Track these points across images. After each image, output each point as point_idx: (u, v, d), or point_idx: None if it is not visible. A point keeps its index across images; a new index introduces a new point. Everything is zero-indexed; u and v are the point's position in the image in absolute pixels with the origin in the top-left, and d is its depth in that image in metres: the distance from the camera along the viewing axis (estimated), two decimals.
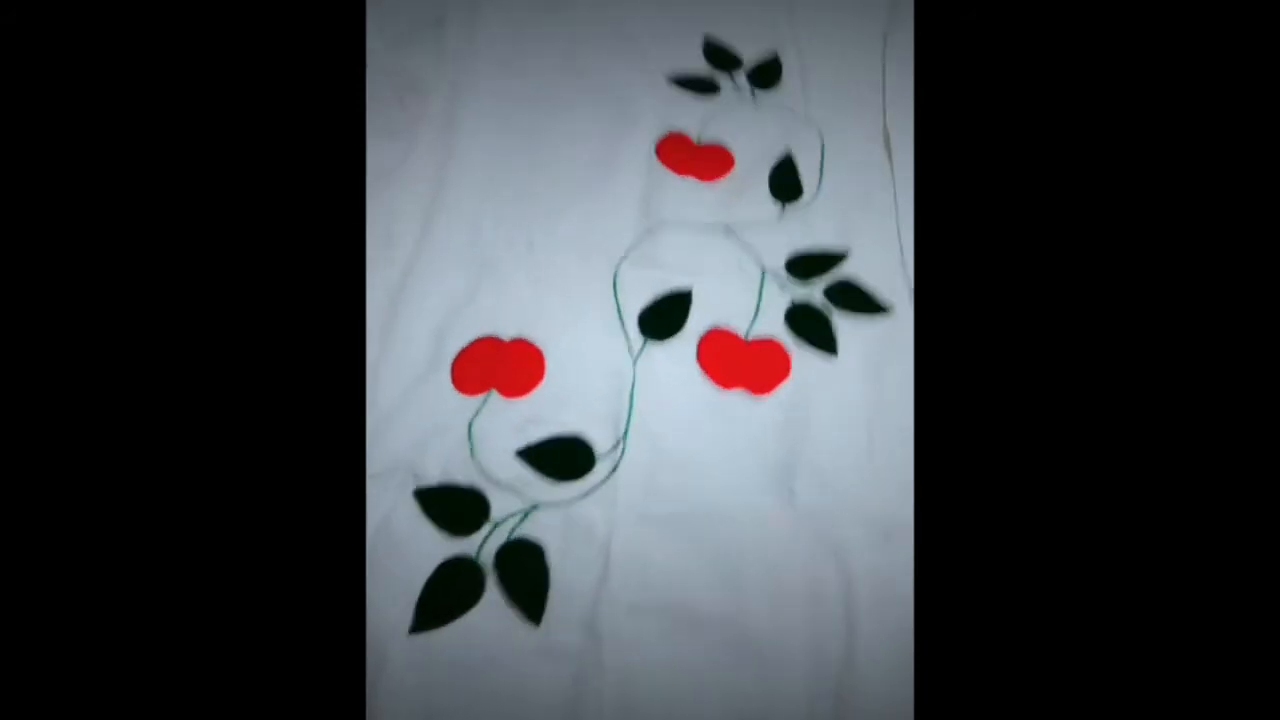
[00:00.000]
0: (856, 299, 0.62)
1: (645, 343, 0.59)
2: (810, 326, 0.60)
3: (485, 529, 0.51)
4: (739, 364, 0.58)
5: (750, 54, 0.77)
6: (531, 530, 0.51)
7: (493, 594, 0.49)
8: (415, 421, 0.55)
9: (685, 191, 0.67)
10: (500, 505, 0.52)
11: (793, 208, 0.67)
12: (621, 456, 0.54)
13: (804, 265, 0.63)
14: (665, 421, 0.56)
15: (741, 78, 0.75)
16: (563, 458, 0.53)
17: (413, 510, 0.52)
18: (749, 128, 0.72)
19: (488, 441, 0.54)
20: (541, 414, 0.55)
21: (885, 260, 0.64)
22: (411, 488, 0.52)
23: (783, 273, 0.63)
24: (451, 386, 0.56)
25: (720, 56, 0.76)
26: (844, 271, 0.63)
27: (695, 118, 0.72)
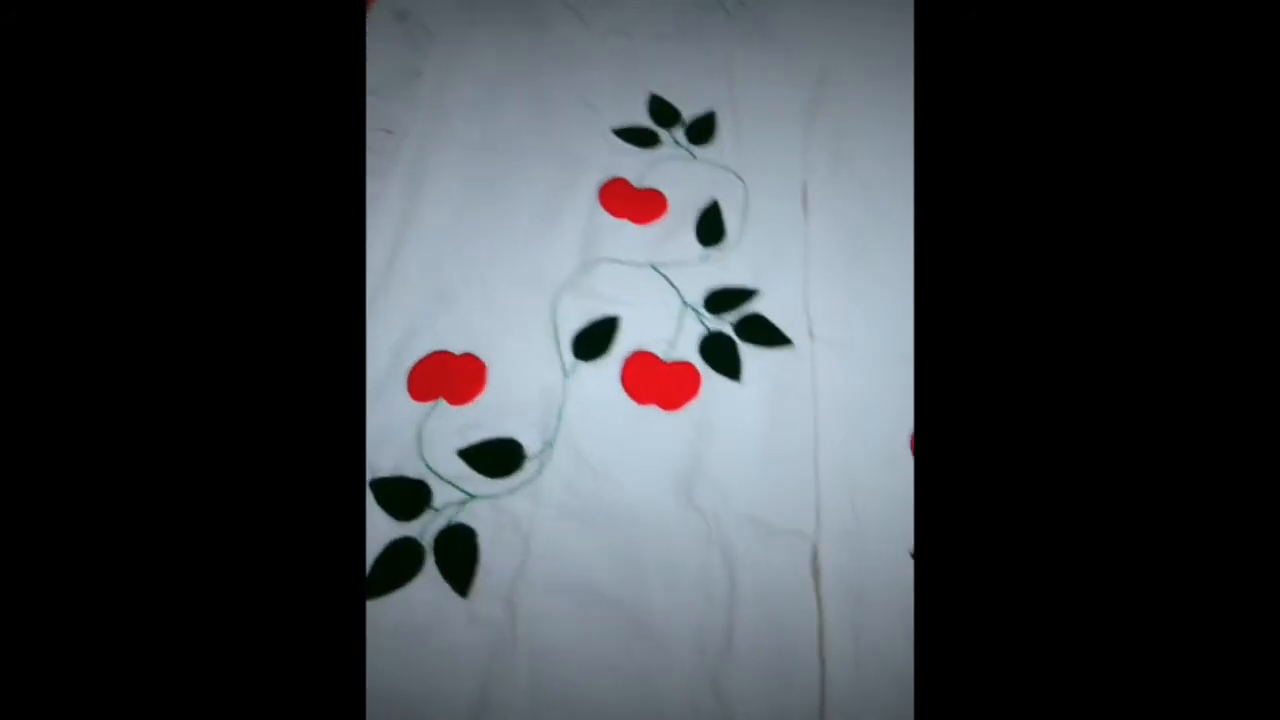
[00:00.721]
0: (762, 332, 0.71)
1: (576, 362, 0.68)
2: (720, 354, 0.70)
3: (427, 515, 0.60)
4: (656, 384, 0.68)
5: (690, 111, 0.87)
6: (467, 518, 0.60)
7: (430, 570, 0.58)
8: (374, 423, 0.64)
9: (622, 232, 0.77)
10: (442, 496, 0.61)
11: (715, 250, 0.77)
12: (548, 459, 0.63)
13: (719, 300, 0.73)
14: (588, 430, 0.65)
15: (680, 133, 0.85)
16: (497, 458, 0.63)
17: (368, 498, 0.61)
18: (683, 178, 0.82)
19: (434, 441, 0.63)
20: (482, 420, 0.64)
21: (791, 300, 0.74)
22: (368, 479, 0.61)
23: (701, 306, 0.73)
24: (407, 394, 0.66)
25: (663, 113, 0.86)
26: (753, 307, 0.73)
27: (636, 167, 0.82)
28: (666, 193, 0.80)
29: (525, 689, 0.54)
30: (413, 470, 0.62)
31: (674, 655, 0.57)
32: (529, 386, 0.67)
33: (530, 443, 0.64)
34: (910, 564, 0.62)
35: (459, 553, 0.58)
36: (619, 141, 0.84)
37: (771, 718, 0.56)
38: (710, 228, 0.78)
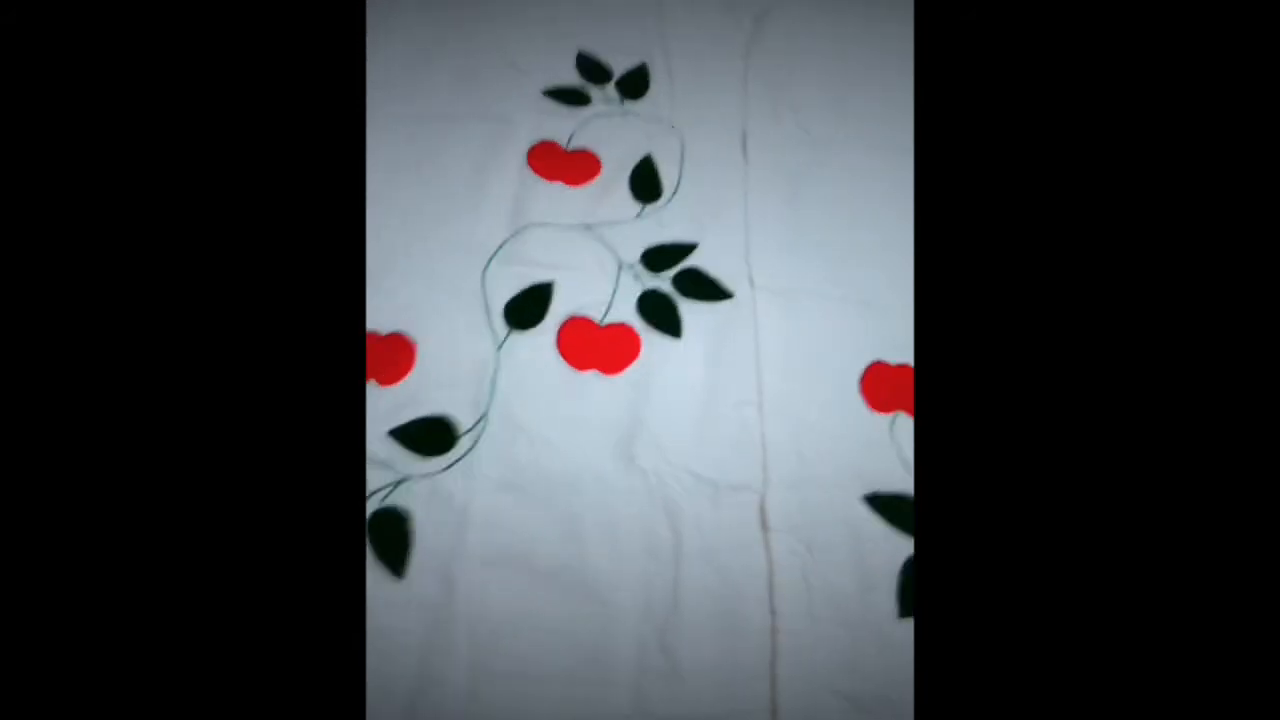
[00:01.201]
0: (702, 286, 0.69)
1: (509, 332, 0.66)
2: (658, 312, 0.68)
3: None
4: (593, 348, 0.66)
5: (621, 65, 0.84)
6: (400, 499, 0.59)
7: (366, 554, 0.57)
8: None
9: (554, 195, 0.75)
10: (375, 478, 0.59)
11: (651, 207, 0.75)
12: (481, 434, 0.62)
13: (657, 258, 0.71)
14: (523, 401, 0.63)
15: (611, 89, 0.83)
16: (429, 435, 0.61)
17: None
18: (617, 135, 0.79)
19: (366, 424, 0.62)
20: (414, 398, 0.63)
21: (731, 251, 0.72)
22: None
23: (638, 265, 0.71)
24: None
25: (592, 70, 0.84)
26: (692, 262, 0.71)
27: (567, 128, 0.79)
28: (600, 152, 0.78)
29: (465, 665, 0.53)
30: None
31: (620, 618, 0.56)
32: (460, 360, 0.65)
33: (463, 418, 0.62)
34: (862, 509, 0.61)
35: (392, 536, 0.57)
36: (548, 102, 0.81)
37: (722, 673, 0.54)
38: (645, 184, 0.76)
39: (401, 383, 0.63)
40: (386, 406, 0.62)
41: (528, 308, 0.67)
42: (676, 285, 0.69)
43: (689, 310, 0.68)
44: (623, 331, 0.67)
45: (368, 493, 0.58)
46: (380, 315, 0.66)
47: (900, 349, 0.68)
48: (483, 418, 0.62)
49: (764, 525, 0.59)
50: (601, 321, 0.68)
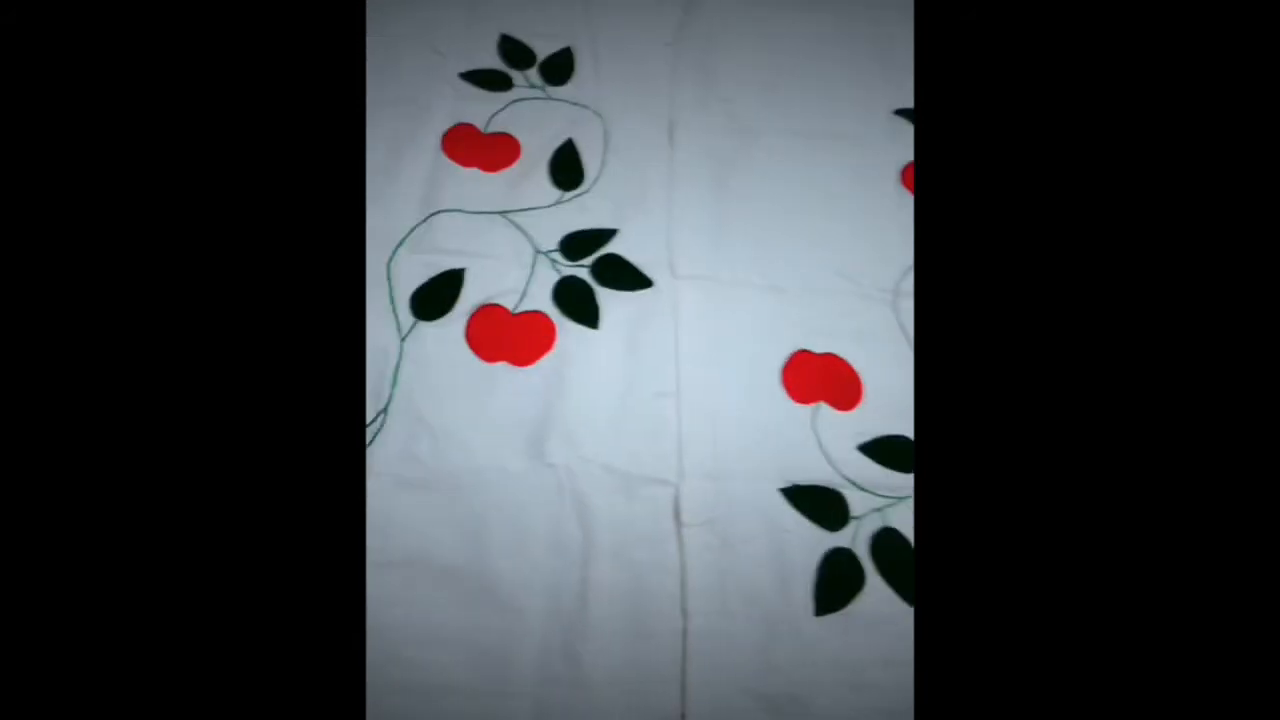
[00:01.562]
0: (621, 274, 0.67)
1: (415, 323, 0.63)
2: (575, 301, 0.65)
3: None
4: (504, 339, 0.63)
5: (545, 49, 0.81)
6: None
7: None
8: None
9: (469, 181, 0.72)
10: None
11: (572, 193, 0.72)
12: (380, 430, 0.59)
13: (575, 245, 0.68)
14: (428, 394, 0.60)
15: (534, 73, 0.80)
16: None
17: None
18: (538, 120, 0.76)
19: None
20: None
21: (653, 237, 0.69)
22: None
23: (555, 252, 0.68)
24: None
25: (515, 54, 0.81)
26: (612, 249, 0.68)
27: (485, 112, 0.76)
28: (519, 137, 0.75)
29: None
30: None
31: (524, 621, 0.53)
32: None
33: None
34: (781, 501, 0.59)
35: None
36: (466, 86, 0.78)
37: (629, 679, 0.52)
38: (566, 169, 0.73)
39: None
40: None
41: (436, 296, 0.64)
42: (595, 273, 0.67)
43: (607, 299, 0.66)
44: (537, 321, 0.64)
45: None
46: None
47: (825, 337, 0.66)
48: (382, 412, 0.59)
49: (678, 519, 0.57)
50: (515, 310, 0.65)
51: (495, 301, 0.65)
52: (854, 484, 0.60)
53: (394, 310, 0.63)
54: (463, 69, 0.79)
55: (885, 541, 0.58)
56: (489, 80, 0.78)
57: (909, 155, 0.78)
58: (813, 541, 0.58)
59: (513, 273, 0.66)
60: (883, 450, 0.62)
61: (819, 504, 0.59)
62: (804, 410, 0.63)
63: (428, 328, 0.63)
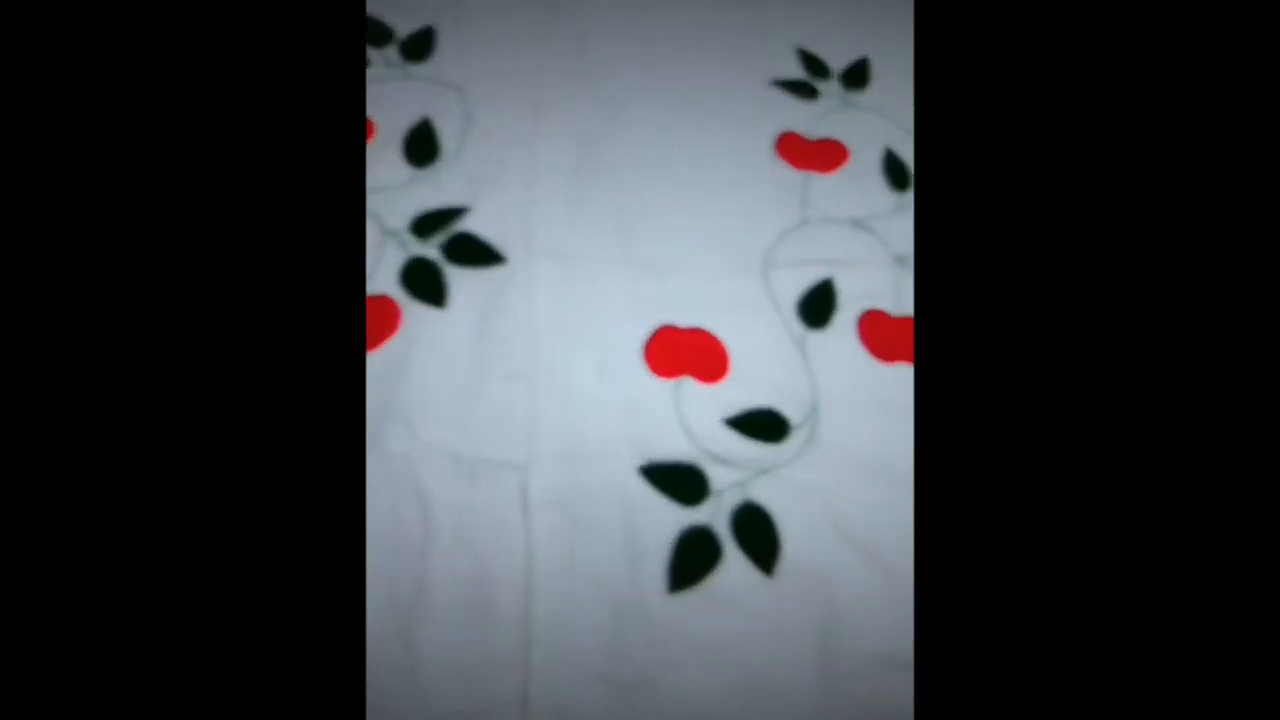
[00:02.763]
0: (472, 252, 0.64)
1: None
2: (422, 281, 0.62)
3: None
4: None
5: (406, 28, 0.78)
6: None
7: None
8: None
9: None
10: None
11: (428, 170, 0.69)
12: None
13: (425, 224, 0.65)
14: None
15: (394, 52, 0.77)
16: None
17: None
18: (395, 98, 0.73)
19: None
20: None
21: (510, 214, 0.67)
22: None
23: (404, 233, 0.65)
24: None
25: (375, 32, 0.78)
26: (464, 227, 0.66)
27: None
28: (374, 116, 0.72)
29: None
30: None
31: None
32: None
33: None
34: (637, 480, 0.56)
35: None
36: None
37: (469, 662, 0.49)
38: (421, 147, 0.70)
39: None
40: None
41: None
42: (445, 252, 0.64)
43: (457, 278, 0.63)
44: (380, 304, 0.61)
45: None
46: None
47: (692, 311, 0.64)
48: None
49: (525, 503, 0.55)
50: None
51: None
52: (717, 458, 0.58)
53: None
54: None
55: (746, 515, 0.56)
56: None
57: (785, 125, 0.76)
58: (669, 519, 0.55)
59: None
60: (749, 424, 0.60)
61: (677, 481, 0.57)
62: (667, 386, 0.61)
63: None
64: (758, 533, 0.55)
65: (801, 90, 0.79)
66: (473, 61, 0.77)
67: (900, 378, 0.64)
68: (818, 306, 0.66)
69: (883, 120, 0.78)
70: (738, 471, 0.58)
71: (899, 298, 0.68)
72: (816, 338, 0.64)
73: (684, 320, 0.64)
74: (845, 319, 0.66)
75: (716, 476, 0.57)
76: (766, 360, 0.63)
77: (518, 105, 0.74)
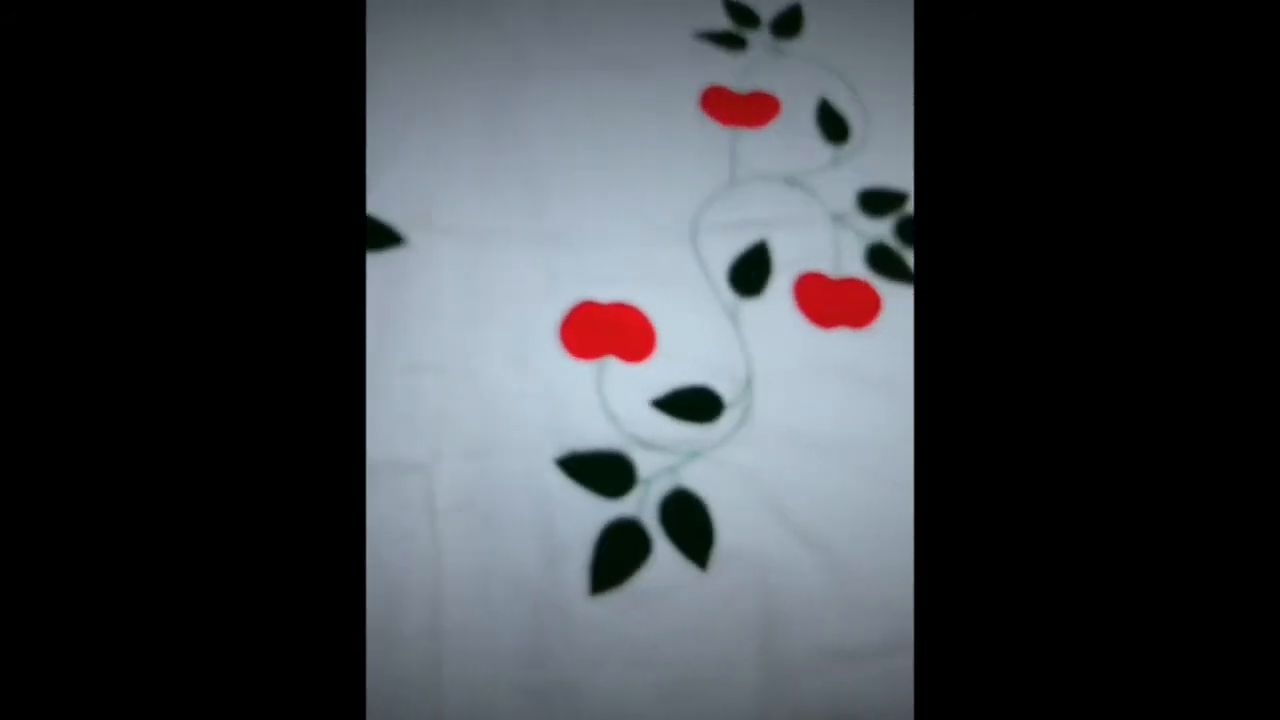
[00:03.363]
0: (367, 234, 0.59)
1: None
2: None
3: None
4: None
5: None
6: None
7: None
8: None
9: None
10: None
11: None
12: None
13: None
14: None
15: None
16: None
17: None
18: None
19: None
20: None
21: (408, 191, 0.61)
22: None
23: None
24: None
25: None
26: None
27: None
28: None
29: None
30: None
31: None
32: None
33: None
34: (555, 474, 0.52)
35: None
36: None
37: (376, 686, 0.44)
38: None
39: None
40: None
41: None
42: None
43: None
44: None
45: None
46: None
47: (613, 284, 0.59)
48: None
49: (431, 507, 0.50)
50: None
51: None
52: (644, 444, 0.54)
53: None
54: None
55: (677, 504, 0.52)
56: None
57: (711, 79, 0.71)
58: (591, 513, 0.51)
59: None
60: (679, 404, 0.55)
61: (600, 471, 0.52)
62: (587, 368, 0.56)
63: None
64: (690, 522, 0.51)
65: (729, 41, 0.74)
66: (372, 13, 0.70)
67: (842, 344, 0.59)
68: (750, 272, 0.61)
69: (817, 69, 0.73)
70: (667, 457, 0.53)
71: (838, 259, 0.63)
72: (750, 306, 0.60)
73: (605, 295, 0.59)
74: (780, 284, 0.61)
75: (644, 464, 0.53)
76: (696, 334, 0.58)
77: (417, 73, 0.68)
